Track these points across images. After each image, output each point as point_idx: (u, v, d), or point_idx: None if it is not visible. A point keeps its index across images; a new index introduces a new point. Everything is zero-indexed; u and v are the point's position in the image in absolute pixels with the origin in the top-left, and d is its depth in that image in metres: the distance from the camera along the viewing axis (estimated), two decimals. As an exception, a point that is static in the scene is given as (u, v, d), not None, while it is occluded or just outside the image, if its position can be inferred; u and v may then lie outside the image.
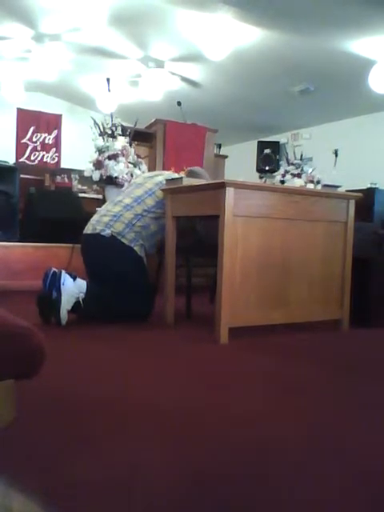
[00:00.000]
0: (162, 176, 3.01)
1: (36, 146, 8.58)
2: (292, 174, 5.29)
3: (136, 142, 4.97)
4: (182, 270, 3.04)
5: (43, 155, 8.64)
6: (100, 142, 4.33)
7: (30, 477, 1.01)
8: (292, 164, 5.39)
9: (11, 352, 1.07)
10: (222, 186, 2.33)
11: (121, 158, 4.22)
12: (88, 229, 2.94)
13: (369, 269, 2.95)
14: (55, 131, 8.72)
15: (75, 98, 9.07)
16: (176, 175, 3.09)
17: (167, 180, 2.86)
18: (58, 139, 8.75)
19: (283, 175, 5.37)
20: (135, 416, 1.39)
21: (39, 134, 8.59)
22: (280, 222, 2.54)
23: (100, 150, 4.28)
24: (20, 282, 3.89)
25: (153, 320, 2.87)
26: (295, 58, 6.14)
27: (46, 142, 8.66)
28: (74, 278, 2.63)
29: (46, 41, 6.71)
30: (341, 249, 2.78)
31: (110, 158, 4.21)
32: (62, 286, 2.55)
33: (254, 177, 7.32)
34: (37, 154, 8.60)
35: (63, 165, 8.30)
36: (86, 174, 4.36)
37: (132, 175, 4.24)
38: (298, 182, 5.17)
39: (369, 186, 6.18)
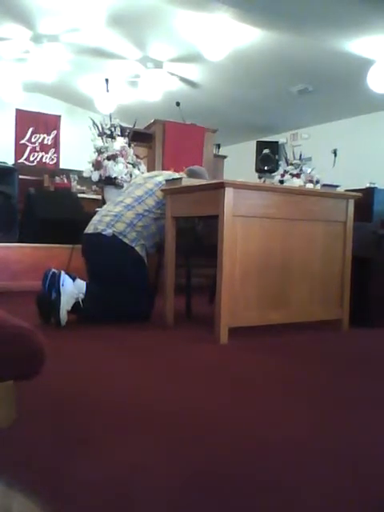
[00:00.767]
0: (162, 176, 3.02)
1: (35, 147, 8.59)
2: (291, 174, 5.28)
3: (135, 143, 4.97)
4: (182, 270, 3.04)
5: (42, 156, 8.65)
6: (99, 142, 4.33)
7: (29, 477, 1.01)
8: (291, 164, 5.38)
9: (11, 353, 1.07)
10: (221, 186, 2.33)
11: (120, 159, 4.22)
12: (89, 229, 2.94)
13: (368, 268, 2.95)
14: (54, 132, 8.73)
15: (74, 98, 9.08)
16: (176, 175, 3.09)
17: (167, 180, 2.86)
18: (56, 140, 8.76)
19: (282, 175, 5.37)
20: (135, 416, 1.39)
21: (38, 135, 8.60)
22: (279, 222, 2.54)
23: (99, 151, 4.28)
24: (19, 282, 3.89)
25: (152, 320, 2.87)
26: (294, 58, 6.14)
27: (45, 142, 8.67)
28: (74, 279, 2.63)
29: (44, 41, 6.71)
30: (340, 248, 2.78)
31: (109, 158, 4.21)
32: (61, 286, 2.55)
33: (253, 177, 7.32)
34: (36, 154, 8.61)
35: (62, 165, 8.31)
36: (85, 174, 4.36)
37: (131, 175, 4.24)
38: (297, 182, 5.17)
39: (368, 185, 6.17)
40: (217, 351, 2.25)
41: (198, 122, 6.36)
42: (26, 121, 8.44)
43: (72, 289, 2.60)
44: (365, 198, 3.09)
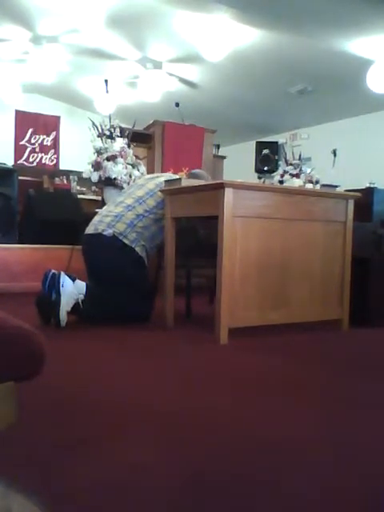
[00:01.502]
0: (163, 177, 3.03)
1: (34, 148, 8.59)
2: (291, 174, 5.29)
3: (134, 143, 4.98)
4: (182, 270, 3.04)
5: (42, 157, 8.65)
6: (98, 143, 4.34)
7: (30, 477, 1.01)
8: (291, 164, 5.39)
9: (11, 354, 1.07)
10: (220, 186, 2.33)
11: (119, 160, 4.22)
12: (89, 229, 2.94)
13: (368, 268, 2.95)
14: (53, 133, 8.73)
15: (73, 99, 9.08)
16: (176, 176, 3.09)
17: (166, 181, 2.86)
18: (56, 141, 8.76)
19: (282, 175, 5.37)
20: (135, 417, 1.39)
21: (37, 136, 8.60)
22: (279, 223, 2.54)
23: (98, 152, 4.29)
24: (19, 283, 3.89)
25: (152, 321, 2.87)
26: (293, 58, 6.14)
27: (45, 143, 8.67)
28: (74, 280, 2.63)
29: (43, 42, 6.71)
30: (340, 248, 2.78)
31: (108, 159, 4.21)
32: (61, 287, 2.55)
33: (252, 177, 7.33)
34: (35, 155, 8.61)
35: (62, 166, 8.31)
36: (85, 175, 4.36)
37: (130, 176, 4.24)
38: (296, 182, 5.17)
39: (367, 185, 6.18)
40: (217, 351, 2.25)
41: (197, 123, 6.37)
42: (26, 122, 8.44)
43: (72, 289, 2.60)
44: (364, 198, 3.10)
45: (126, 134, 4.51)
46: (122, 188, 4.10)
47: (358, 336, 2.73)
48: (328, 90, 6.90)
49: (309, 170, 5.38)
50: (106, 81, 5.85)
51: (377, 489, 1.03)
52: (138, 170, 4.37)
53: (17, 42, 6.76)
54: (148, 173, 4.69)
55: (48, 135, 8.69)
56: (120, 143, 4.35)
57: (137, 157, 4.51)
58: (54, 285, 2.55)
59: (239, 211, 2.37)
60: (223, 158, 6.87)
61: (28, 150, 8.53)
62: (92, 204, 4.91)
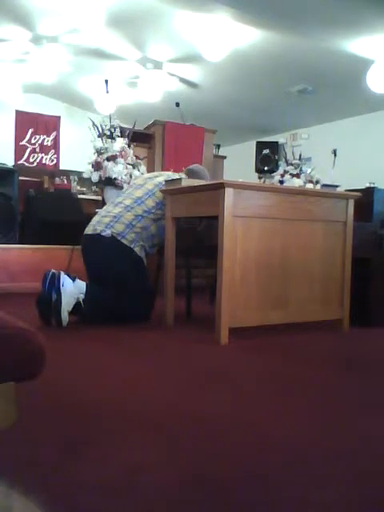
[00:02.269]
0: (162, 177, 3.01)
1: (35, 148, 8.59)
2: (291, 174, 5.28)
3: (135, 143, 4.98)
4: (182, 270, 3.04)
5: (42, 157, 8.66)
6: (99, 143, 4.34)
7: (30, 478, 1.01)
8: (291, 164, 5.39)
9: (12, 354, 1.07)
10: (221, 186, 2.33)
11: (119, 160, 4.22)
12: (88, 230, 2.94)
13: (368, 268, 2.95)
14: (54, 133, 8.74)
15: (73, 99, 9.08)
16: (176, 175, 3.08)
17: (166, 181, 2.86)
18: (56, 141, 8.76)
19: (282, 175, 5.37)
20: (135, 417, 1.39)
21: (38, 136, 8.60)
22: (279, 223, 2.54)
23: (99, 152, 4.29)
24: (19, 284, 3.89)
25: (153, 321, 2.87)
26: (293, 58, 6.14)
27: (45, 143, 8.67)
28: (74, 280, 2.63)
29: (44, 43, 6.71)
30: (340, 248, 2.78)
31: (108, 159, 4.21)
32: (61, 287, 2.55)
33: (252, 177, 7.32)
34: (35, 155, 8.61)
35: (62, 166, 8.31)
36: (85, 175, 4.36)
37: (131, 176, 4.24)
38: (296, 182, 5.17)
39: (367, 185, 6.18)
40: (217, 352, 2.25)
41: (197, 123, 6.37)
42: (26, 122, 8.44)
43: (72, 289, 2.60)
44: (365, 198, 3.10)
45: (126, 134, 4.51)
46: (122, 188, 4.10)
47: (359, 336, 2.73)
48: (328, 89, 6.90)
49: (309, 170, 5.38)
50: (107, 81, 5.85)
51: (377, 489, 1.03)
52: (139, 170, 4.37)
53: (17, 42, 6.76)
54: (148, 173, 4.69)
55: (48, 135, 8.69)
56: (120, 143, 4.35)
57: (137, 157, 4.51)
58: (54, 285, 2.55)
59: (239, 211, 2.37)
60: (223, 157, 6.87)
61: (28, 150, 8.53)
62: (92, 204, 4.91)
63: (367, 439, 1.29)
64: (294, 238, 2.60)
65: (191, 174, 3.11)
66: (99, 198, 4.78)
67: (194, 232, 3.13)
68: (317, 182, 5.16)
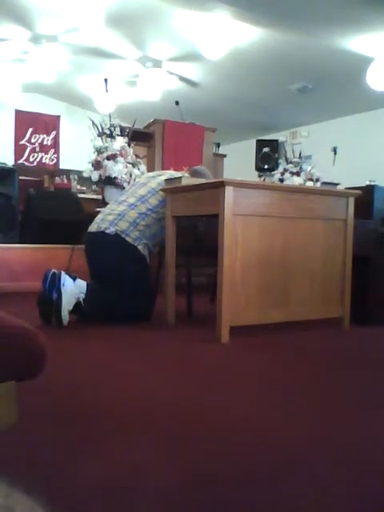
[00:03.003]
0: (165, 175, 3.02)
1: (34, 148, 8.59)
2: (291, 173, 5.28)
3: (134, 142, 4.97)
4: (183, 269, 3.04)
5: (42, 156, 8.65)
6: (98, 142, 4.34)
7: (31, 477, 1.01)
8: (291, 162, 5.39)
9: (12, 353, 1.07)
10: (221, 184, 2.33)
11: (119, 159, 4.22)
12: (92, 227, 2.94)
13: (369, 266, 2.94)
14: (54, 132, 8.73)
15: (73, 98, 9.07)
16: (178, 174, 3.09)
17: (166, 179, 2.86)
18: (56, 140, 8.76)
19: (282, 173, 5.37)
20: (136, 416, 1.39)
21: (37, 136, 8.60)
22: (280, 221, 2.54)
23: (99, 151, 4.29)
24: (20, 283, 3.89)
25: (154, 320, 2.87)
26: (293, 56, 6.14)
27: (45, 143, 8.67)
28: (74, 279, 2.63)
29: (43, 42, 6.71)
30: (341, 246, 2.78)
31: (108, 158, 4.21)
32: (62, 286, 2.55)
33: (253, 175, 7.33)
34: (35, 155, 8.61)
35: (62, 166, 8.30)
36: (85, 174, 4.36)
37: (131, 175, 4.24)
38: (297, 180, 5.17)
39: (368, 183, 6.18)
40: (218, 350, 2.25)
41: (197, 121, 6.36)
42: (26, 121, 8.44)
43: (73, 289, 2.60)
44: (365, 196, 3.09)
45: (126, 133, 4.51)
46: (122, 187, 4.10)
47: (359, 334, 2.73)
48: (328, 87, 6.89)
49: (309, 168, 5.38)
50: (106, 80, 5.85)
51: (377, 489, 1.03)
52: (139, 169, 4.37)
53: (16, 41, 6.75)
54: (148, 171, 4.68)
55: (48, 135, 8.69)
56: (120, 142, 4.35)
57: (137, 156, 4.51)
58: (54, 284, 2.56)
59: (240, 209, 2.37)
60: (223, 156, 6.86)
61: (28, 149, 8.53)
62: (92, 203, 4.90)
63: (368, 438, 1.29)
64: (295, 236, 2.60)
65: (194, 174, 3.13)
66: (99, 197, 4.78)
67: (195, 231, 3.13)
68: (317, 180, 5.16)
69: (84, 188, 6.12)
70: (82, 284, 2.65)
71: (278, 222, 2.53)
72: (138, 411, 1.43)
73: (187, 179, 2.76)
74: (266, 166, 7.46)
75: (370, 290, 2.95)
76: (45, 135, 8.65)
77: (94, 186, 5.52)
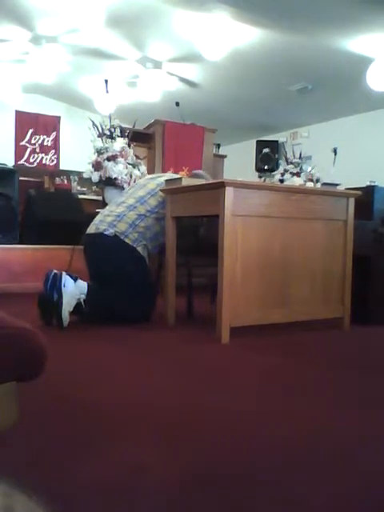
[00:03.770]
0: (164, 177, 3.03)
1: (35, 148, 8.60)
2: (291, 173, 5.29)
3: (135, 143, 4.97)
4: (183, 270, 3.04)
5: (42, 157, 8.67)
6: (99, 143, 4.34)
7: (31, 477, 1.01)
8: (291, 163, 5.39)
9: (13, 354, 1.07)
10: (221, 185, 2.33)
11: (120, 159, 4.22)
12: (91, 229, 2.95)
13: (369, 266, 2.95)
14: (54, 133, 8.74)
15: (73, 99, 9.08)
16: (178, 176, 3.10)
17: (166, 180, 2.86)
18: (56, 141, 8.77)
19: (282, 174, 5.38)
20: (136, 417, 1.39)
21: (38, 136, 8.61)
22: (280, 221, 2.54)
23: (99, 152, 4.29)
24: (20, 284, 3.89)
25: (154, 320, 2.88)
26: (293, 56, 6.14)
27: (45, 143, 8.68)
28: (75, 280, 2.64)
29: (43, 43, 6.71)
30: (341, 247, 2.78)
31: (108, 159, 4.21)
32: (62, 287, 2.55)
33: (253, 176, 7.33)
34: (36, 156, 8.62)
35: (62, 166, 8.32)
36: (85, 175, 4.36)
37: (131, 176, 4.24)
38: (297, 181, 5.17)
39: (368, 183, 6.18)
40: (218, 351, 2.25)
41: (197, 122, 6.36)
42: (26, 122, 8.45)
43: (73, 290, 2.60)
44: (365, 197, 3.09)
45: (126, 134, 4.51)
46: (122, 188, 4.10)
47: (359, 334, 2.73)
48: (328, 88, 6.89)
49: (309, 169, 5.39)
50: (106, 81, 5.84)
51: (377, 488, 1.03)
52: (139, 170, 4.37)
53: (17, 42, 6.76)
54: (148, 172, 4.69)
55: (48, 135, 8.70)
56: (120, 143, 4.35)
57: (137, 156, 4.51)
58: (55, 285, 2.56)
59: (240, 210, 2.37)
60: (223, 157, 6.86)
61: (28, 150, 8.54)
62: (93, 204, 4.91)
63: (368, 438, 1.29)
64: (295, 237, 2.60)
65: (194, 177, 3.15)
66: (99, 197, 4.78)
67: (195, 231, 3.13)
68: (317, 181, 5.17)
69: (84, 189, 6.13)
70: (82, 285, 2.66)
71: (278, 223, 2.53)
72: (138, 411, 1.43)
73: (187, 180, 2.76)
74: (266, 167, 7.47)
75: (370, 290, 2.95)
76: (45, 136, 8.66)
77: (94, 187, 5.52)
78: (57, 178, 6.72)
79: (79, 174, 5.42)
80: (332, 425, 1.37)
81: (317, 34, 5.50)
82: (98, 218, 2.97)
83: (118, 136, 4.41)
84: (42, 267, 3.08)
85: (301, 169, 5.30)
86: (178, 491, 0.99)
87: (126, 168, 4.24)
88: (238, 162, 7.84)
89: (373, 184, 6.07)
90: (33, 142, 8.56)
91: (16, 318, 1.14)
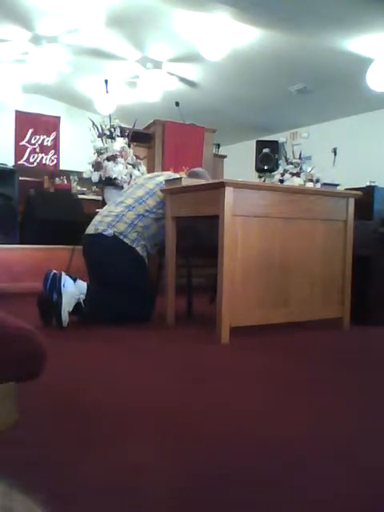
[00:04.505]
0: (163, 176, 3.02)
1: (35, 148, 8.59)
2: (291, 173, 5.29)
3: (135, 143, 4.98)
4: (183, 270, 3.04)
5: (42, 157, 8.66)
6: (99, 143, 4.34)
7: (31, 477, 1.01)
8: (291, 163, 5.39)
9: (13, 354, 1.07)
10: (221, 185, 2.33)
11: (120, 159, 4.22)
12: (90, 229, 2.95)
13: (369, 267, 2.94)
14: (54, 133, 8.74)
15: (73, 99, 9.07)
16: (176, 175, 3.09)
17: (166, 180, 2.86)
18: (56, 141, 8.76)
19: (282, 174, 5.37)
20: (136, 417, 1.39)
21: (38, 136, 8.60)
22: (280, 222, 2.54)
23: (99, 152, 4.29)
24: (20, 284, 3.89)
25: (153, 320, 2.87)
26: (293, 57, 6.14)
27: (45, 143, 8.67)
28: (75, 280, 2.64)
29: (43, 43, 6.71)
30: (341, 247, 2.78)
31: (108, 159, 4.21)
32: (62, 287, 2.55)
33: (253, 176, 7.33)
34: (36, 156, 8.61)
35: (62, 166, 8.30)
36: (85, 175, 4.36)
37: (131, 176, 4.24)
38: (297, 181, 5.17)
39: (368, 184, 6.18)
40: (218, 351, 2.25)
41: (197, 122, 6.37)
42: (26, 122, 8.44)
43: (73, 290, 2.60)
44: (365, 197, 3.09)
45: (126, 134, 4.51)
46: (122, 188, 4.10)
47: (359, 334, 2.73)
48: (328, 88, 6.89)
49: (309, 169, 5.39)
50: (106, 81, 5.85)
51: (377, 488, 1.03)
52: (139, 170, 4.37)
53: (17, 42, 6.76)
54: (148, 172, 4.69)
55: (48, 135, 8.69)
56: (120, 143, 4.35)
57: (137, 156, 4.51)
58: (55, 285, 2.56)
59: (240, 210, 2.37)
60: (223, 157, 6.87)
61: (28, 150, 8.53)
62: (92, 204, 4.91)
63: (368, 438, 1.29)
64: (295, 237, 2.60)
65: (193, 175, 3.13)
66: (99, 198, 4.78)
67: (194, 231, 3.13)
68: (317, 181, 5.17)
69: (84, 189, 6.12)
70: (82, 285, 2.66)
71: (278, 223, 2.53)
72: (137, 411, 1.43)
73: (187, 180, 2.76)
74: (265, 167, 7.46)
75: (370, 289, 2.95)
76: (45, 136, 8.65)
77: (94, 187, 5.52)
78: (57, 178, 6.71)
79: (79, 174, 5.42)
80: (332, 424, 1.37)
81: (317, 34, 5.50)
82: (97, 218, 2.97)
83: (118, 136, 4.41)
84: (41, 267, 3.07)
85: (300, 169, 5.30)
86: (178, 491, 0.99)
87: (126, 168, 4.24)
88: (238, 162, 7.84)
89: (373, 184, 6.07)
90: (33, 141, 8.55)
91: (15, 317, 1.14)
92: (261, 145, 7.64)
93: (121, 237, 2.81)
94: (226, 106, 8.04)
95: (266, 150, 7.46)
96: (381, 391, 1.72)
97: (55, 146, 8.76)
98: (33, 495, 0.45)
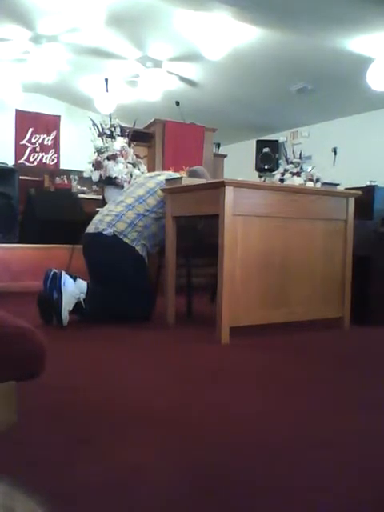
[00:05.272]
0: (163, 176, 3.02)
1: (35, 148, 8.60)
2: (291, 173, 5.28)
3: (135, 143, 4.97)
4: (183, 269, 3.04)
5: (42, 156, 8.66)
6: (99, 142, 4.34)
7: (31, 477, 1.01)
8: (291, 162, 5.39)
9: (13, 353, 1.07)
10: (221, 185, 2.33)
11: (120, 159, 4.22)
12: (90, 228, 2.95)
13: (369, 266, 2.94)
14: (54, 132, 8.74)
15: (74, 98, 9.07)
16: (177, 175, 3.09)
17: (167, 180, 2.86)
18: (56, 140, 8.77)
19: (282, 174, 5.37)
20: (136, 417, 1.39)
21: (38, 136, 8.61)
22: (280, 221, 2.54)
23: (99, 151, 4.29)
24: (20, 283, 3.89)
25: (153, 320, 2.87)
26: (293, 56, 6.13)
27: (45, 143, 8.68)
28: (75, 279, 2.64)
29: (43, 42, 6.71)
30: (341, 247, 2.78)
31: (109, 158, 4.21)
32: (62, 286, 2.55)
33: (253, 176, 7.32)
34: (36, 155, 8.62)
35: (62, 166, 8.31)
36: (86, 174, 4.36)
37: (131, 175, 4.24)
38: (297, 181, 5.17)
39: (368, 183, 6.18)
40: (218, 351, 2.25)
41: (197, 122, 6.37)
42: (26, 121, 8.45)
43: (73, 289, 2.60)
44: (365, 196, 3.10)
45: (126, 133, 4.51)
46: (122, 187, 4.10)
47: (359, 334, 2.73)
48: (328, 88, 6.89)
49: (309, 169, 5.38)
50: (107, 80, 5.85)
51: (378, 488, 1.03)
52: (139, 169, 4.37)
53: (17, 41, 6.75)
54: (149, 172, 4.69)
55: (48, 135, 8.70)
56: (120, 142, 4.35)
57: (137, 156, 4.51)
58: (55, 284, 2.56)
59: (240, 210, 2.37)
60: (223, 156, 6.87)
61: (28, 149, 8.54)
62: (93, 203, 4.91)
63: (368, 437, 1.29)
64: (295, 237, 2.60)
65: (193, 174, 3.13)
66: (100, 197, 4.78)
67: (195, 231, 3.13)
68: (317, 181, 5.16)
69: (84, 188, 6.13)
70: (82, 284, 2.66)
71: (278, 223, 2.53)
72: (137, 411, 1.43)
73: (187, 179, 2.76)
74: (266, 167, 7.46)
75: (370, 290, 2.95)
76: (45, 135, 8.66)
77: (94, 186, 5.52)
78: (57, 178, 6.71)
79: (79, 173, 5.43)
80: (332, 424, 1.37)
81: (317, 33, 5.49)
82: (97, 218, 2.97)
83: (118, 135, 4.41)
84: (41, 266, 3.08)
85: (301, 169, 5.30)
86: (177, 491, 0.99)
87: (126, 167, 4.24)
88: (238, 161, 7.84)
89: (373, 184, 6.07)
90: (33, 141, 8.55)
91: (15, 317, 1.14)
92: (261, 144, 7.64)
93: (121, 236, 2.80)
94: (227, 106, 8.04)
95: (266, 150, 7.45)
96: (381, 391, 1.72)
97: (55, 145, 8.77)
98: (33, 495, 0.45)
